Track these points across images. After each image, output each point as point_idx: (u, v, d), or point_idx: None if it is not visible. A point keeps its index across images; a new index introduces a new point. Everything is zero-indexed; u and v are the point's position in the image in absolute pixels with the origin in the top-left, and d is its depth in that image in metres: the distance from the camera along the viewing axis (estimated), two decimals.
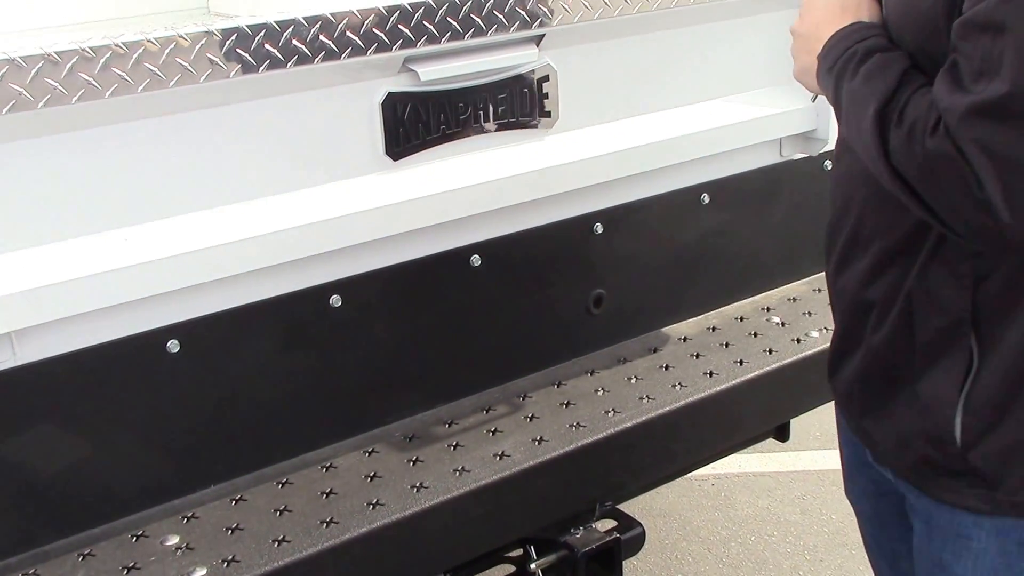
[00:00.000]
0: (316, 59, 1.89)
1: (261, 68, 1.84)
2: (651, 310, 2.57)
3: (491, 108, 2.17)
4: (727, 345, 2.49)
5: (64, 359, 1.86)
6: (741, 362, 2.40)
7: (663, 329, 2.58)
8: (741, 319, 2.63)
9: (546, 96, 2.23)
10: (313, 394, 2.13)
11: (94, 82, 1.70)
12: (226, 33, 1.79)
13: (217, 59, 1.80)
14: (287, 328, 2.08)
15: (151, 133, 1.86)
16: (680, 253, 2.59)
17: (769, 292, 2.75)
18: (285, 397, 2.10)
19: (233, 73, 1.82)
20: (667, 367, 2.41)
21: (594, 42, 2.30)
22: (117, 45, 1.71)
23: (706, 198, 2.57)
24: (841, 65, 1.54)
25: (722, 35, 2.50)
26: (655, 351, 2.49)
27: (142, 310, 1.91)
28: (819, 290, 2.72)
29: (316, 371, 2.13)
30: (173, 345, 1.96)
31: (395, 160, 2.09)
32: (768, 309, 2.68)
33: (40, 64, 1.65)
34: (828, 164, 2.72)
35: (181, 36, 1.76)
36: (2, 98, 1.63)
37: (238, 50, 1.81)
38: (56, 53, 1.65)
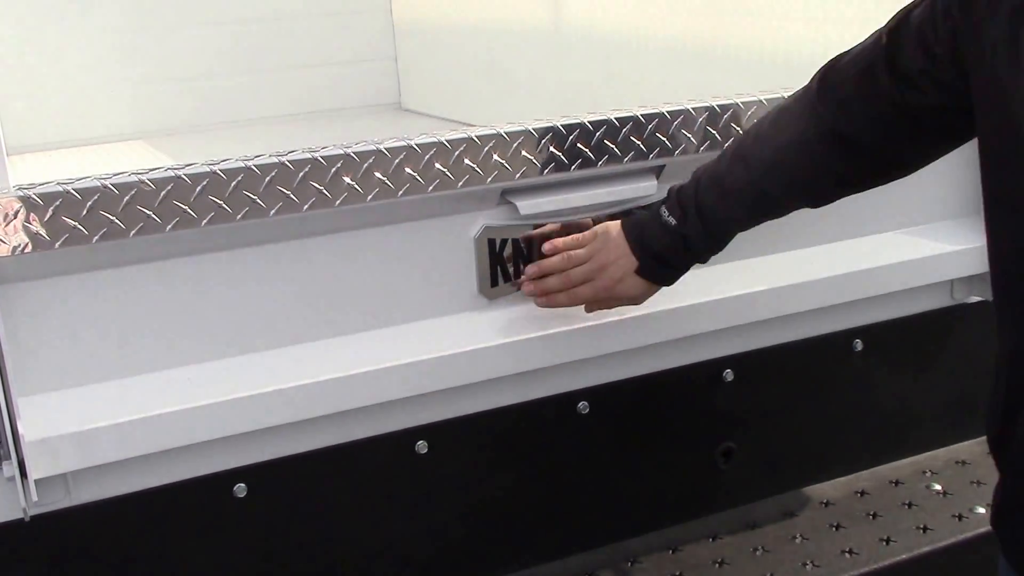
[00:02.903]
0: (400, 192, 1.74)
1: (337, 201, 1.71)
2: (790, 468, 2.28)
3: None
4: (874, 516, 2.18)
5: (123, 500, 1.75)
6: (888, 540, 2.09)
7: (803, 489, 2.29)
8: (896, 483, 2.30)
9: None
10: (393, 547, 1.95)
11: (154, 215, 1.60)
12: (298, 164, 1.66)
13: (290, 192, 1.67)
14: (365, 475, 1.91)
15: (223, 264, 1.74)
16: (826, 405, 2.29)
17: (934, 452, 2.41)
18: (359, 550, 1.93)
19: (307, 206, 1.70)
20: (800, 538, 2.11)
21: None
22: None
23: (859, 344, 2.27)
24: None
25: None
26: (790, 516, 2.20)
27: (208, 452, 1.79)
28: None
29: (398, 523, 1.95)
30: (240, 489, 1.82)
31: (490, 299, 1.91)
32: (930, 473, 2.34)
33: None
34: None
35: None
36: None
37: (311, 182, 1.68)
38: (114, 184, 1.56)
